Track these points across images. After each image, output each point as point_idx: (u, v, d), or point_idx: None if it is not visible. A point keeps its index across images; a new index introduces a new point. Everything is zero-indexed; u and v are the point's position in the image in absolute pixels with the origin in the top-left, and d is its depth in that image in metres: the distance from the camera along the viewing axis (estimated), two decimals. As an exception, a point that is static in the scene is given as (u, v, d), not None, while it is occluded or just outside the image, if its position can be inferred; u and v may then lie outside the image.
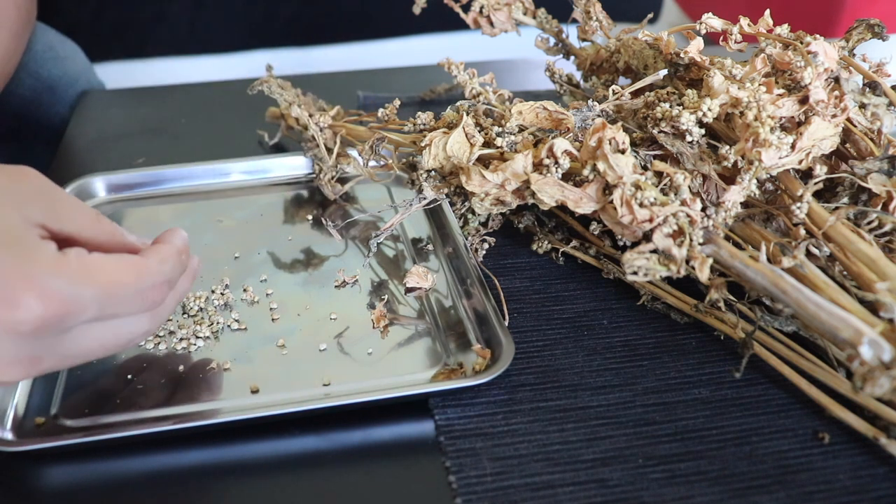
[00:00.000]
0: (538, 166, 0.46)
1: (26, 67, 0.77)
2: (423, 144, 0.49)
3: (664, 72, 0.51)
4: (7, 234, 0.34)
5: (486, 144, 0.49)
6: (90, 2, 1.14)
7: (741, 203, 0.44)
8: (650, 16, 0.60)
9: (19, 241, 0.34)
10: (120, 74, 1.18)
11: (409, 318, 0.50)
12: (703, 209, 0.44)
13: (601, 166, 0.43)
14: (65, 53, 0.82)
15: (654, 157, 0.47)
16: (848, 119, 0.48)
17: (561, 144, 0.45)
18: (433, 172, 0.50)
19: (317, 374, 0.46)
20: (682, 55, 0.51)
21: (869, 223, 0.46)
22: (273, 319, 0.50)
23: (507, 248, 0.56)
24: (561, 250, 0.55)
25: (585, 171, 0.44)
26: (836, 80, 0.50)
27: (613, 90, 0.49)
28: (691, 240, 0.41)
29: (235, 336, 0.49)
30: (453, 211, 0.56)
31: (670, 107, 0.46)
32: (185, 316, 0.49)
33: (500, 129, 0.49)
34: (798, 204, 0.44)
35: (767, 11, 0.51)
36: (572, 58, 0.64)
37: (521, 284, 0.53)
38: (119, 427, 0.42)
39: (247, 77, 0.76)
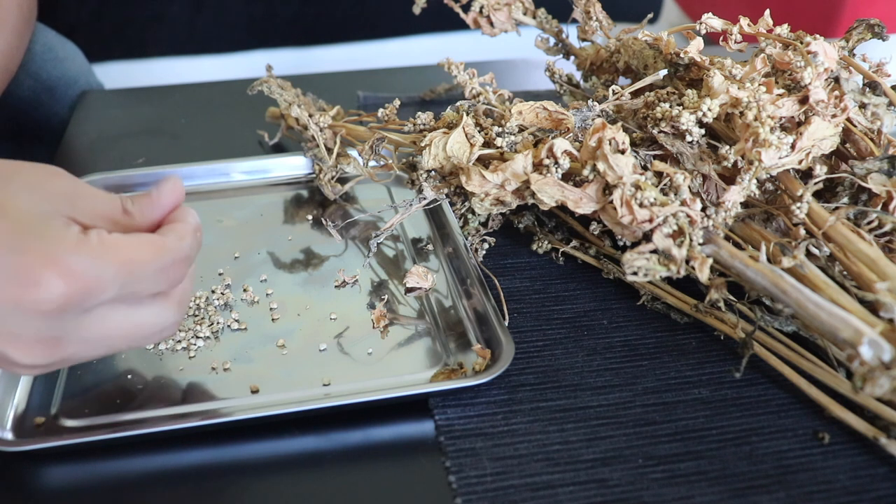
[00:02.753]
0: (538, 166, 0.46)
1: (25, 68, 0.77)
2: (423, 144, 0.49)
3: (664, 72, 0.51)
4: (33, 219, 0.35)
5: (486, 144, 0.49)
6: (90, 2, 1.14)
7: (741, 203, 0.44)
8: (650, 16, 0.60)
9: (44, 225, 0.35)
10: (120, 74, 1.18)
11: (409, 318, 0.50)
12: (703, 209, 0.44)
13: (601, 166, 0.43)
14: (64, 55, 0.82)
15: (654, 157, 0.47)
16: (848, 119, 0.48)
17: (561, 144, 0.45)
18: (433, 172, 0.50)
19: (317, 374, 0.46)
20: (682, 55, 0.51)
21: (869, 223, 0.46)
22: (273, 319, 0.50)
23: (507, 248, 0.56)
24: (561, 250, 0.55)
25: (585, 172, 0.44)
26: (836, 80, 0.50)
27: (613, 90, 0.49)
28: (691, 240, 0.41)
29: (235, 336, 0.49)
30: (453, 211, 0.56)
31: (670, 107, 0.46)
32: (185, 316, 0.49)
33: (500, 129, 0.49)
34: (798, 204, 0.44)
35: (767, 11, 0.51)
36: (572, 58, 0.64)
37: (521, 284, 0.53)
38: (119, 427, 0.42)
39: (247, 77, 0.76)
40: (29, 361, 0.35)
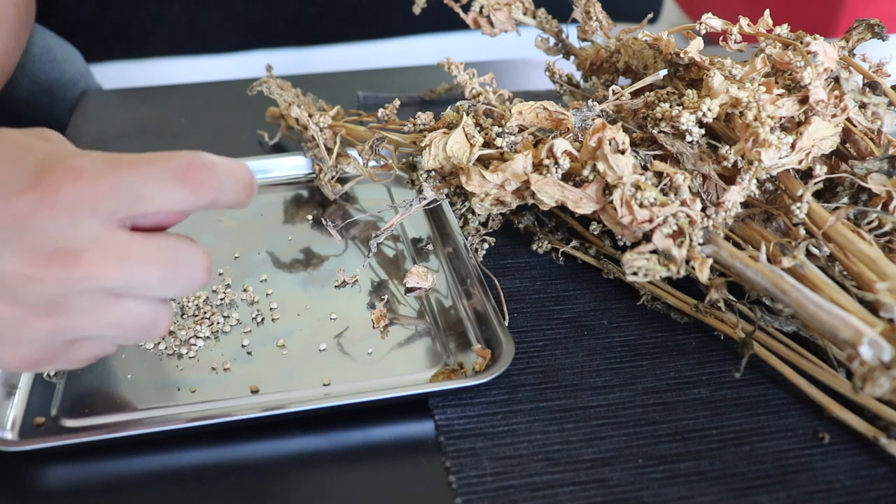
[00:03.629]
0: (538, 166, 0.46)
1: (24, 70, 0.76)
2: (423, 144, 0.49)
3: (664, 72, 0.51)
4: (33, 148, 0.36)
5: (486, 145, 0.49)
6: (90, 2, 1.14)
7: (741, 203, 0.44)
8: (650, 16, 0.60)
9: (45, 149, 0.36)
10: (119, 75, 1.17)
11: (409, 318, 0.50)
12: (703, 209, 0.44)
13: (601, 166, 0.43)
14: (62, 56, 0.82)
15: (654, 157, 0.47)
16: (848, 119, 0.48)
17: (561, 144, 0.45)
18: (433, 172, 0.50)
19: (317, 374, 0.46)
20: (682, 55, 0.51)
21: (869, 223, 0.46)
22: (273, 319, 0.50)
23: (507, 248, 0.56)
24: (561, 250, 0.55)
25: (585, 172, 0.44)
26: (836, 79, 0.50)
27: (613, 90, 0.49)
28: (691, 240, 0.41)
29: (235, 336, 0.49)
30: (453, 211, 0.56)
31: (670, 107, 0.46)
32: (185, 316, 0.49)
33: (500, 130, 0.49)
34: (798, 204, 0.44)
35: (767, 11, 0.51)
36: (572, 58, 0.64)
37: (521, 284, 0.53)
38: (119, 427, 0.42)
39: (247, 77, 0.76)
40: (37, 273, 0.33)
